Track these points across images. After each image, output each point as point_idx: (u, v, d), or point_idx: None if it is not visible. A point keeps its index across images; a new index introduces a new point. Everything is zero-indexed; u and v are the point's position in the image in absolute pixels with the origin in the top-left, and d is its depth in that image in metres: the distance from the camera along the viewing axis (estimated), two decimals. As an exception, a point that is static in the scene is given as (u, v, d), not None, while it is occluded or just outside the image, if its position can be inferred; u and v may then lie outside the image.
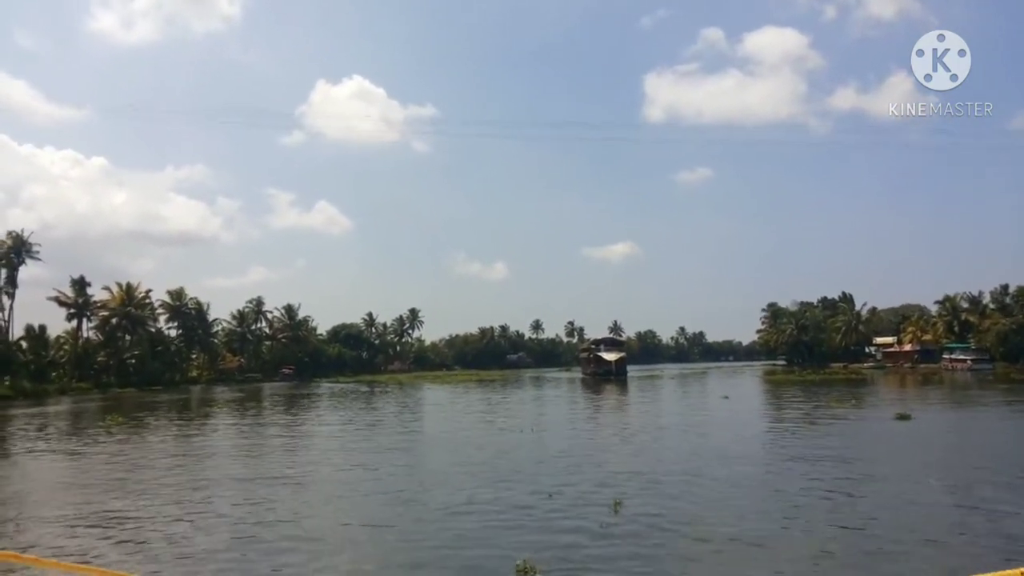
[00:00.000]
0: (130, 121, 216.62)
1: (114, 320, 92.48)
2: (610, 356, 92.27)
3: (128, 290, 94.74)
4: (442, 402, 49.89)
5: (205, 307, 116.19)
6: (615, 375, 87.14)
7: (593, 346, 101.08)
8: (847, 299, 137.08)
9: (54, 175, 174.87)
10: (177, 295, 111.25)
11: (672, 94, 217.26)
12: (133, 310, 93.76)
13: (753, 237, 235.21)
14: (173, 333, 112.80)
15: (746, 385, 66.70)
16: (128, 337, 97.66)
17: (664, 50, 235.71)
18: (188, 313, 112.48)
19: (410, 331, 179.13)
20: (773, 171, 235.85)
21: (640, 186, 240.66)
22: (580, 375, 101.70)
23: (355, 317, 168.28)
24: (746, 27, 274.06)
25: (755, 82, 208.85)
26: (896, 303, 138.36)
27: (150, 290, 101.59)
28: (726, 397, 46.71)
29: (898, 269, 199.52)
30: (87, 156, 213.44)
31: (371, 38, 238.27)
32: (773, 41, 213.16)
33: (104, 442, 26.65)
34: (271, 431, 30.78)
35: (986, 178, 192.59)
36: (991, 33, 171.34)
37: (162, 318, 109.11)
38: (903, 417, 27.61)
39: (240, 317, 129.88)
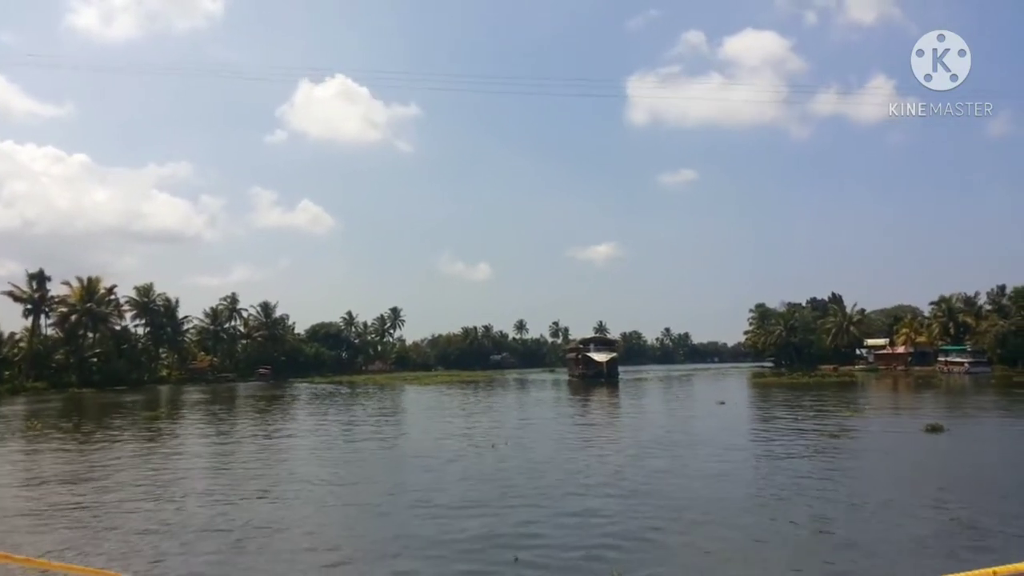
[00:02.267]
0: (112, 118, 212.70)
1: (74, 316, 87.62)
2: (600, 357, 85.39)
3: (89, 285, 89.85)
4: (414, 407, 45.77)
5: (174, 304, 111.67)
6: (606, 377, 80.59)
7: (582, 346, 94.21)
8: (836, 300, 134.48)
9: (35, 172, 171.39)
10: (145, 291, 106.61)
11: (654, 98, 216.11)
12: (94, 306, 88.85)
13: (738, 238, 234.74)
14: (141, 331, 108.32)
15: (739, 389, 63.23)
16: (91, 335, 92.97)
17: (645, 53, 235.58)
18: (156, 310, 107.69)
19: (391, 331, 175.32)
20: (757, 172, 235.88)
21: (624, 187, 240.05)
22: (567, 377, 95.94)
23: (339, 317, 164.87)
24: (727, 31, 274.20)
25: (737, 85, 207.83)
26: (883, 305, 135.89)
27: (115, 285, 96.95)
28: (722, 403, 43.16)
29: (885, 271, 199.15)
30: (69, 153, 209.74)
31: (354, 37, 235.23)
32: (753, 44, 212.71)
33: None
34: (202, 444, 26.64)
35: (972, 179, 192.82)
36: (974, 35, 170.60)
37: (129, 315, 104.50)
38: (935, 429, 24.02)
39: (213, 315, 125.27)
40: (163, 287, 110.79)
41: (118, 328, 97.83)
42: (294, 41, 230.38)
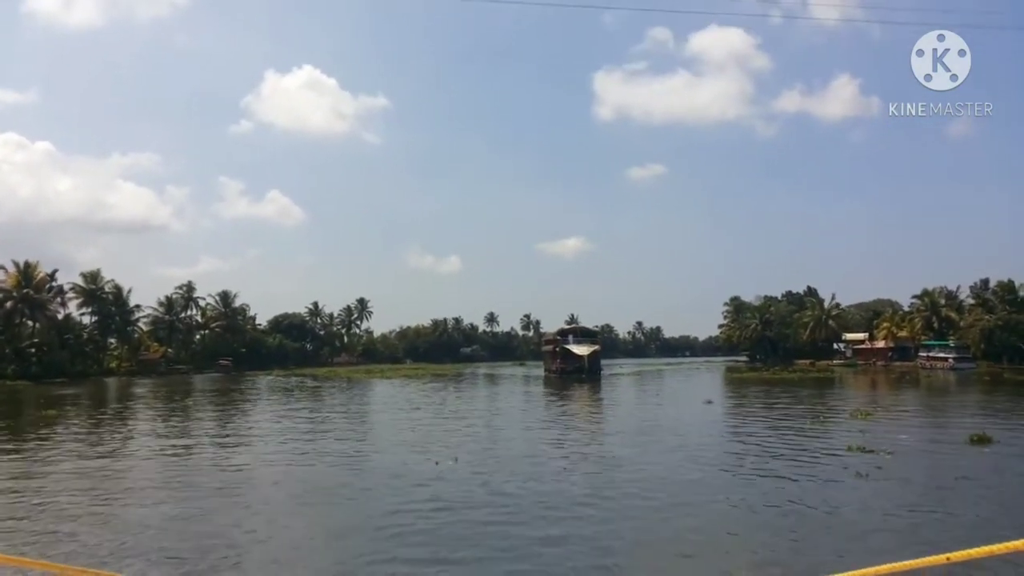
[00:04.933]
0: (75, 105, 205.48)
1: (9, 303, 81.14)
2: (581, 350, 75.49)
3: (26, 270, 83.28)
4: (367, 406, 40.94)
5: (125, 292, 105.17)
6: (587, 373, 71.93)
7: (559, 337, 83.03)
8: (812, 293, 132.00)
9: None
10: (92, 278, 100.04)
11: (621, 93, 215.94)
12: (31, 292, 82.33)
13: (709, 232, 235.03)
14: (88, 320, 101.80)
15: (721, 386, 59.57)
16: (31, 323, 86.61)
17: (612, 49, 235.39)
18: (104, 298, 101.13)
19: (358, 322, 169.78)
20: (726, 167, 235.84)
21: (592, 181, 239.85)
22: (543, 372, 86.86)
23: (304, 308, 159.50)
24: (692, 27, 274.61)
25: (703, 82, 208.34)
26: (859, 299, 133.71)
27: (56, 270, 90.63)
28: (710, 402, 39.29)
29: (859, 266, 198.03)
30: (31, 140, 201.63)
31: (322, 27, 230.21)
32: (719, 42, 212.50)
33: None
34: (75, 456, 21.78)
35: (935, 176, 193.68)
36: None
37: (75, 303, 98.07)
38: (981, 440, 20.10)
39: (168, 304, 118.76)
40: (130, 278, 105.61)
41: (60, 317, 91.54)
42: (261, 30, 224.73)
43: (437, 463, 17.53)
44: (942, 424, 25.95)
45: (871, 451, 18.50)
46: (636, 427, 25.54)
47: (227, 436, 24.81)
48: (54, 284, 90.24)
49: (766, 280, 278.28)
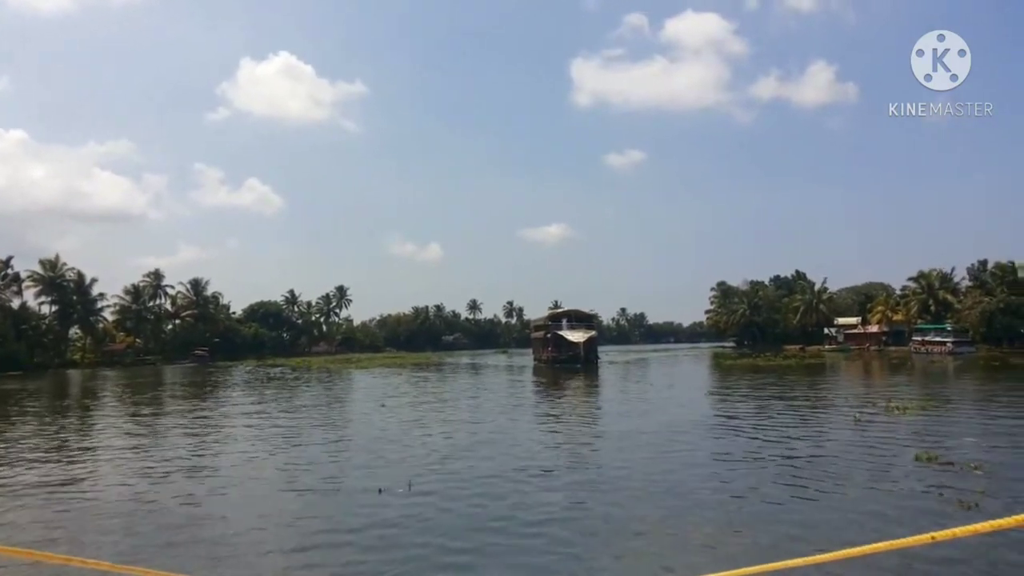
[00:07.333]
0: (48, 93, 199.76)
1: (-44, 293, 76.14)
2: (576, 337, 67.79)
3: (-26, 257, 78.17)
4: (329, 405, 36.59)
5: (87, 280, 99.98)
6: (583, 362, 65.02)
7: (551, 322, 74.00)
8: (801, 277, 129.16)
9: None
10: (51, 265, 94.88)
11: (598, 80, 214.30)
12: (-20, 281, 77.33)
13: (690, 218, 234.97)
14: (48, 310, 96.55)
15: (717, 374, 56.10)
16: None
17: (589, 36, 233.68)
18: (65, 286, 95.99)
19: (337, 310, 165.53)
20: (705, 153, 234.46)
21: (572, 168, 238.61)
22: (532, 361, 78.91)
23: (281, 296, 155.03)
24: (668, 12, 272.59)
25: (680, 68, 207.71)
26: (847, 283, 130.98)
27: (11, 257, 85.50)
28: (712, 393, 35.73)
29: (845, 250, 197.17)
30: (4, 129, 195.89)
31: (297, 13, 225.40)
32: (695, 27, 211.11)
33: None
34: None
35: (914, 161, 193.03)
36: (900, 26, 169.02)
37: (32, 292, 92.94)
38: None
39: (135, 292, 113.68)
40: (108, 268, 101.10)
41: (15, 306, 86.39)
42: (235, 15, 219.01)
43: (381, 491, 13.06)
44: (1001, 421, 22.26)
45: (948, 462, 14.72)
46: (649, 431, 21.55)
47: (133, 451, 20.60)
48: (9, 271, 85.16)
49: (750, 266, 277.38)
